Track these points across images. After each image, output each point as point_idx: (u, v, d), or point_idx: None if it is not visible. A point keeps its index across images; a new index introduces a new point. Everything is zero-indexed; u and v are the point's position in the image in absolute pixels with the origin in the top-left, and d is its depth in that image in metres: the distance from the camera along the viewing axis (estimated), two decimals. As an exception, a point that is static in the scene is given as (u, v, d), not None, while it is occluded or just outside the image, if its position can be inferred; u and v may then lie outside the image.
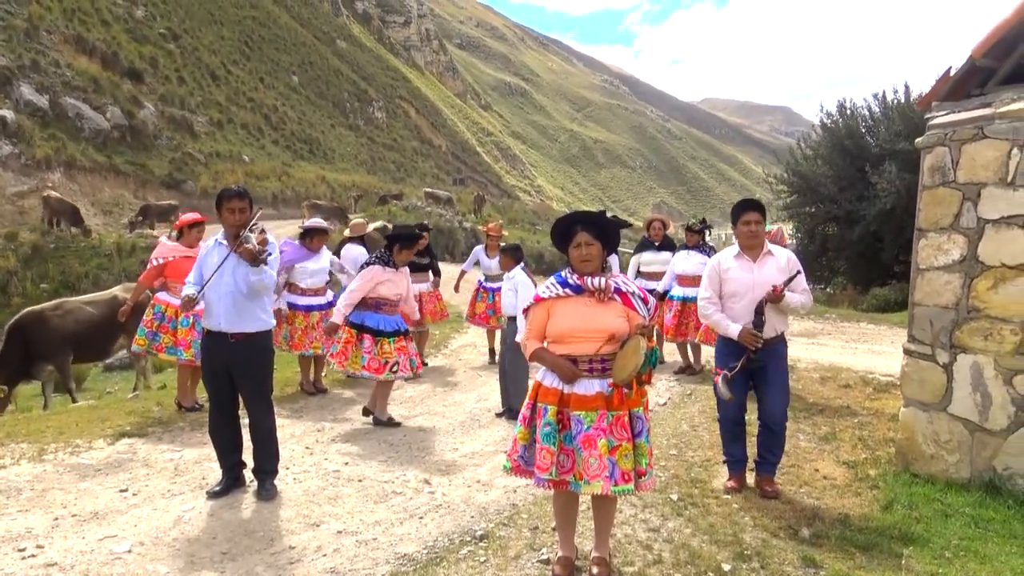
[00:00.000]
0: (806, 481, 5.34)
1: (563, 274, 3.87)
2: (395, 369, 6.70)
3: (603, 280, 3.74)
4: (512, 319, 7.10)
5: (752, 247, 5.00)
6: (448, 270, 12.07)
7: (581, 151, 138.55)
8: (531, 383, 3.91)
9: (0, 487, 5.00)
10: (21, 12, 32.59)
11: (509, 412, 7.01)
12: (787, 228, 25.43)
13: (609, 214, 4.20)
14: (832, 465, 5.69)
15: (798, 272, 4.93)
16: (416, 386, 8.22)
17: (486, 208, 38.33)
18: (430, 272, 9.68)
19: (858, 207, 20.56)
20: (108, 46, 36.68)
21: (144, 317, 7.20)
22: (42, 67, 30.50)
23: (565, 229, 3.86)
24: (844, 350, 10.88)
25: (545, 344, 3.83)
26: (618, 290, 3.76)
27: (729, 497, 4.96)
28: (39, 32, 32.59)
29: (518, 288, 6.96)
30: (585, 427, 3.61)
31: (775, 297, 4.79)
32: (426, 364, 9.20)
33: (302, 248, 7.82)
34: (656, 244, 9.29)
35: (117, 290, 9.65)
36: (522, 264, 7.07)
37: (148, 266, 7.21)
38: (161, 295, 7.19)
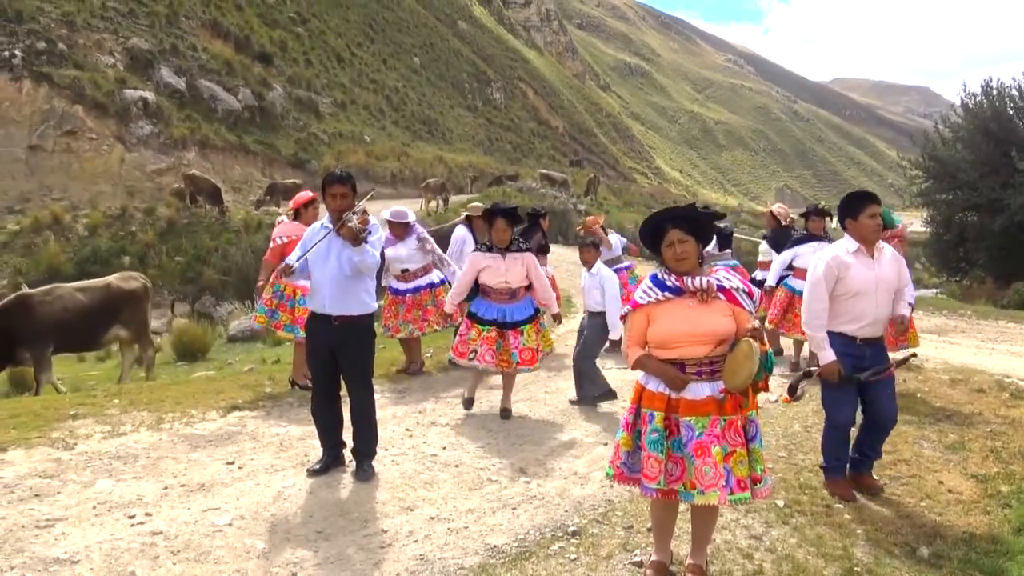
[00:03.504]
0: (928, 494, 4.95)
1: (659, 275, 3.62)
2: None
3: (704, 279, 3.50)
4: (593, 314, 6.91)
5: (875, 242, 4.69)
6: (562, 253, 11.92)
7: (701, 133, 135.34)
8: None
9: (120, 453, 5.27)
10: (163, -1, 34.59)
11: (582, 400, 6.89)
12: (920, 216, 24.07)
13: (699, 205, 3.93)
14: (958, 478, 5.26)
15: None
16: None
17: (600, 190, 37.92)
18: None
19: (1002, 195, 19.17)
20: (241, 30, 38.43)
21: (264, 296, 7.40)
22: (180, 51, 32.34)
23: (654, 229, 3.61)
24: (979, 350, 10.13)
25: (647, 350, 3.63)
26: (721, 287, 3.53)
27: (841, 506, 4.65)
28: (178, 18, 34.57)
29: (604, 284, 6.77)
30: (697, 433, 3.41)
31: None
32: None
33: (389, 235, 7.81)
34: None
35: (113, 278, 9.67)
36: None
37: (271, 244, 7.41)
38: None
